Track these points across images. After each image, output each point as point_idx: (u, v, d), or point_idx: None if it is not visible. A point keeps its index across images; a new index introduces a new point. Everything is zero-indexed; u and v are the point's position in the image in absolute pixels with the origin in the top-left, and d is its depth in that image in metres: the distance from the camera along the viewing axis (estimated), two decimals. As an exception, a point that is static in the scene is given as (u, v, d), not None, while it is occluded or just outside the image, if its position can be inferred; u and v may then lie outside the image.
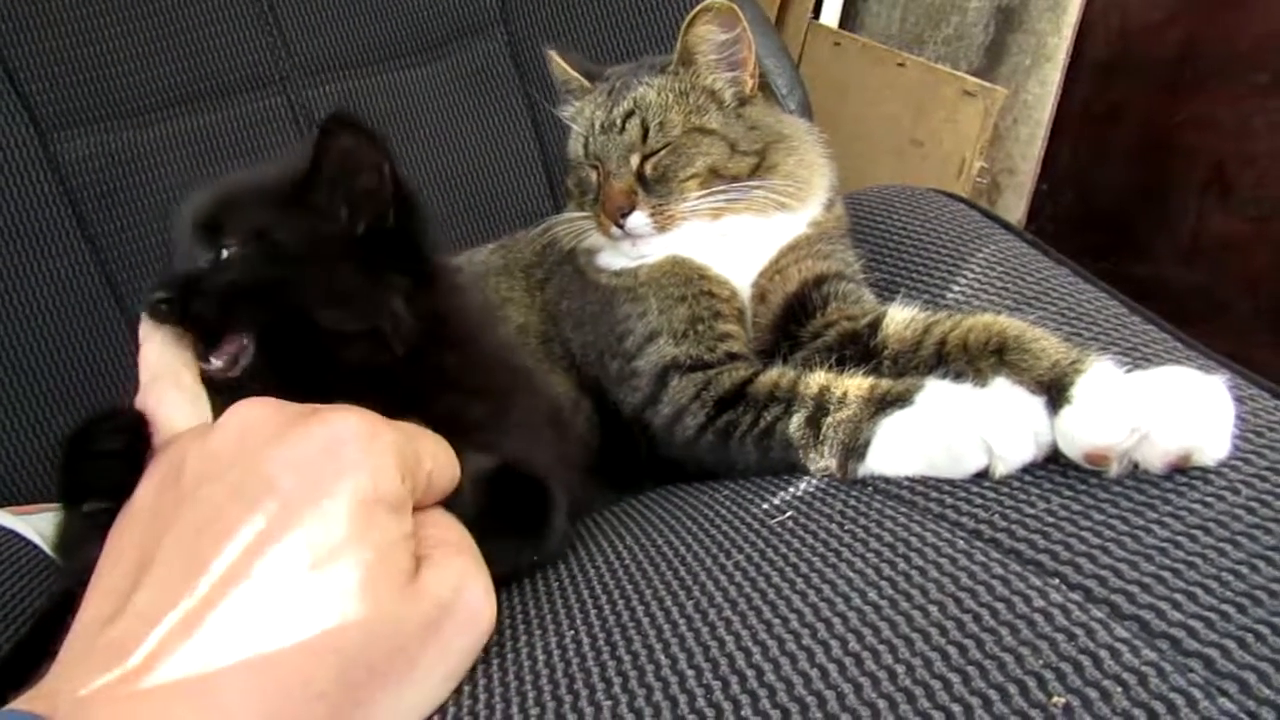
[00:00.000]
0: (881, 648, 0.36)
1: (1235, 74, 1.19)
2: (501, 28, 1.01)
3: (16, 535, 0.70)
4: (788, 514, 0.49)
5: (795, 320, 0.65)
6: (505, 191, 1.02)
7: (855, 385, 0.54)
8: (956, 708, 0.32)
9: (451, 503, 0.44)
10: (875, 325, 0.60)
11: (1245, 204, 1.18)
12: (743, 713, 0.34)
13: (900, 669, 0.34)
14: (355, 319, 0.48)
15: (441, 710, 0.38)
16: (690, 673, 0.37)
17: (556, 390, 0.68)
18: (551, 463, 0.51)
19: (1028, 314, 0.60)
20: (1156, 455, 0.42)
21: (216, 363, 0.46)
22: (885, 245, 0.76)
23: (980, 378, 0.51)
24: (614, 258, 0.70)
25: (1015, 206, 1.47)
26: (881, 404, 0.51)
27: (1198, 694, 0.31)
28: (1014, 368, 0.50)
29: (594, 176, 0.71)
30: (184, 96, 0.93)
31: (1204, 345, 0.57)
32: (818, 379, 0.56)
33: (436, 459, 0.42)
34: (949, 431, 0.47)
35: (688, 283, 0.66)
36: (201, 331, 0.47)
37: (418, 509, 0.41)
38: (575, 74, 0.75)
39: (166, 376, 0.45)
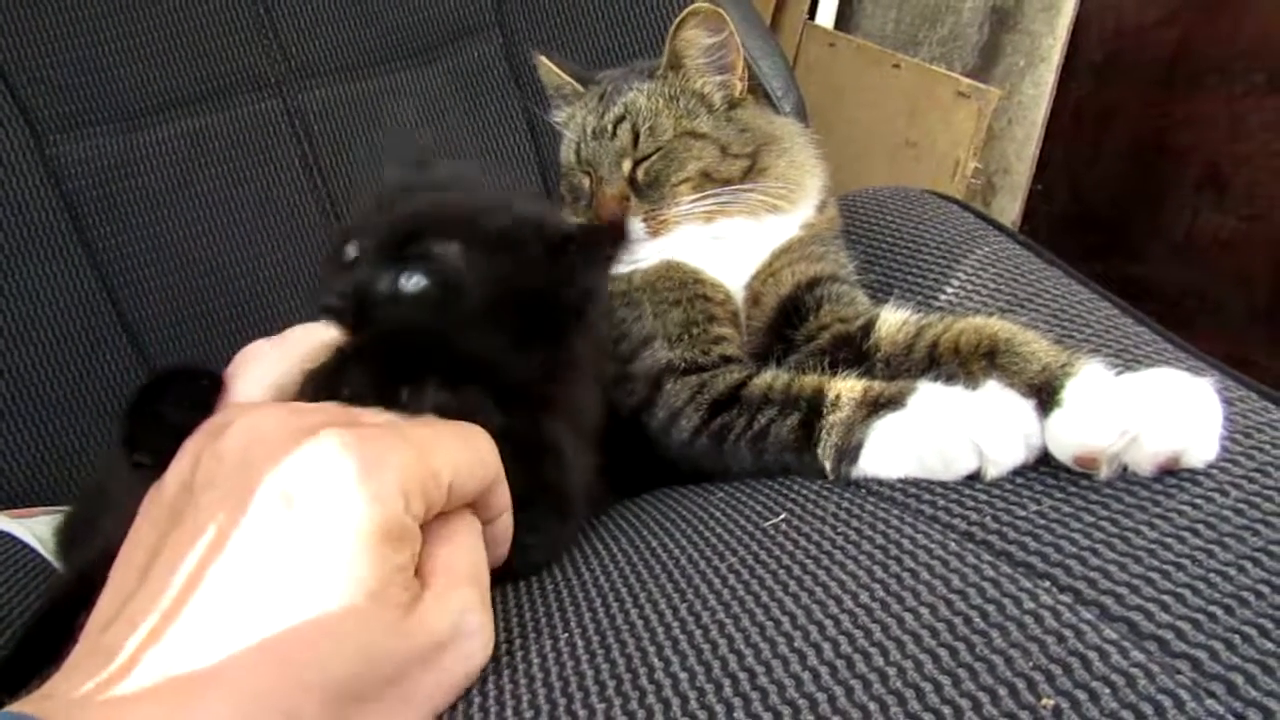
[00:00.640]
0: (873, 650, 0.36)
1: (1229, 75, 1.19)
2: (497, 30, 1.01)
3: (13, 538, 0.70)
4: (781, 516, 0.49)
5: (789, 323, 0.66)
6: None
7: (848, 388, 0.54)
8: (947, 710, 0.33)
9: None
10: (868, 328, 0.61)
11: (1239, 204, 1.18)
12: (735, 715, 0.34)
13: (892, 671, 0.35)
14: (508, 364, 0.47)
15: (436, 714, 0.38)
16: (684, 675, 0.37)
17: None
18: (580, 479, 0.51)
19: (1020, 316, 0.61)
20: (1145, 458, 0.42)
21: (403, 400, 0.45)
22: (879, 247, 0.77)
23: (972, 380, 0.51)
24: None
25: (1010, 207, 1.47)
26: (874, 407, 0.51)
27: (1185, 695, 0.32)
28: (1005, 370, 0.51)
29: (587, 182, 0.71)
30: (180, 100, 0.93)
31: (1198, 345, 0.57)
32: (811, 381, 0.56)
33: (458, 466, 0.40)
34: (941, 434, 0.47)
35: (681, 286, 0.66)
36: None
37: (440, 517, 0.40)
38: (567, 77, 0.75)
39: (257, 359, 0.44)
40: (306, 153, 0.97)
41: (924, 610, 0.38)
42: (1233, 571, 0.37)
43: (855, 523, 0.46)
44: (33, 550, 0.69)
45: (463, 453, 0.41)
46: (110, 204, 0.90)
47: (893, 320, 0.60)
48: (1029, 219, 1.47)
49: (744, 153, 0.68)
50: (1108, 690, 0.32)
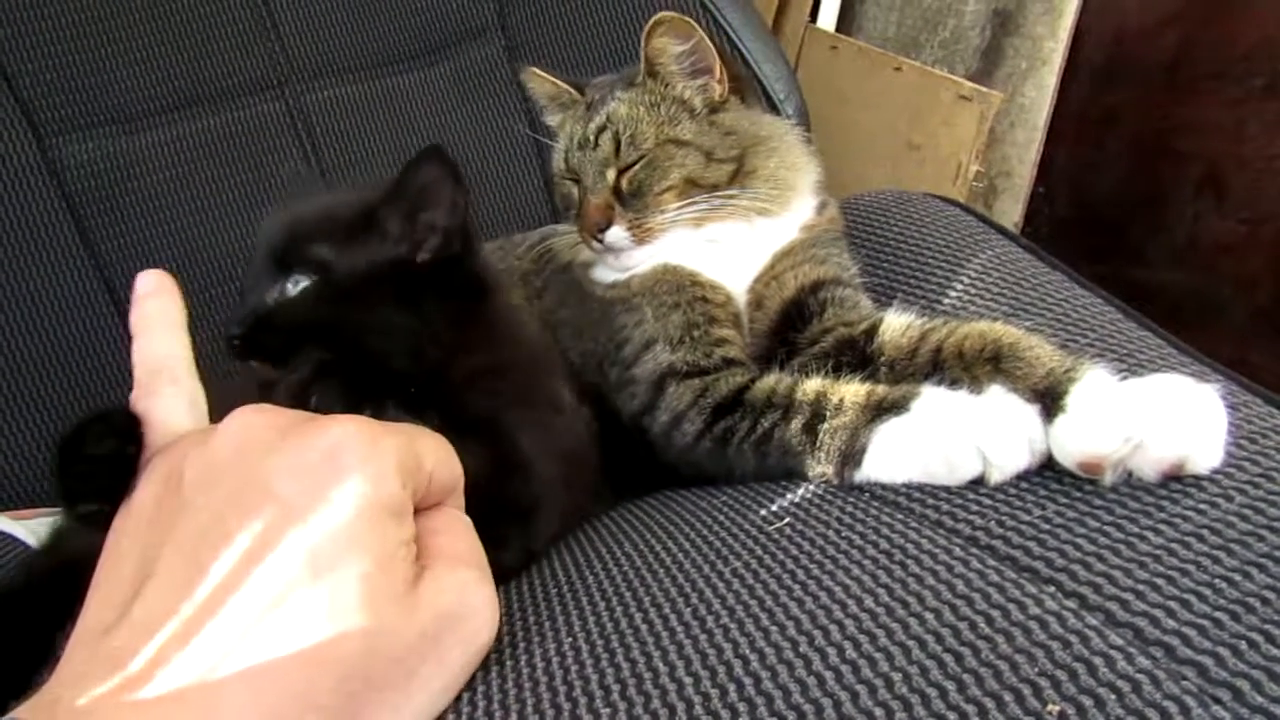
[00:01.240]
0: (878, 655, 0.36)
1: (1230, 78, 1.19)
2: (499, 32, 1.01)
3: (14, 539, 0.70)
4: (785, 520, 0.49)
5: (793, 326, 0.66)
6: (503, 195, 1.02)
7: (852, 392, 0.54)
8: (952, 715, 0.32)
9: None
10: (872, 332, 0.61)
11: (1240, 207, 1.18)
12: (740, 720, 0.34)
13: (896, 676, 0.35)
14: (403, 346, 0.50)
15: (440, 718, 0.38)
16: (688, 680, 0.37)
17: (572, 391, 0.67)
18: (551, 463, 0.52)
19: (1023, 320, 0.61)
20: (1150, 463, 0.42)
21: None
22: (881, 250, 0.77)
23: (976, 385, 0.51)
24: (605, 271, 0.70)
25: (1012, 210, 1.47)
26: (878, 411, 0.51)
27: (1191, 702, 0.32)
28: (1009, 375, 0.51)
29: (575, 191, 0.71)
30: (183, 101, 0.93)
31: (1200, 349, 0.57)
32: (814, 385, 0.56)
33: (437, 457, 0.41)
34: (944, 439, 0.47)
35: (680, 289, 0.66)
36: (272, 363, 0.50)
37: (424, 511, 0.41)
38: (564, 85, 0.75)
39: (164, 373, 0.44)
40: (309, 154, 0.97)
41: (929, 615, 0.37)
42: (1238, 578, 0.37)
43: (859, 527, 0.46)
44: (25, 544, 0.69)
45: (438, 445, 0.42)
46: (112, 205, 0.91)
47: (896, 324, 0.60)
48: (1031, 222, 1.47)
49: (729, 156, 0.68)
50: (1113, 696, 0.32)
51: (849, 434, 0.52)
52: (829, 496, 0.51)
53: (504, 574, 0.48)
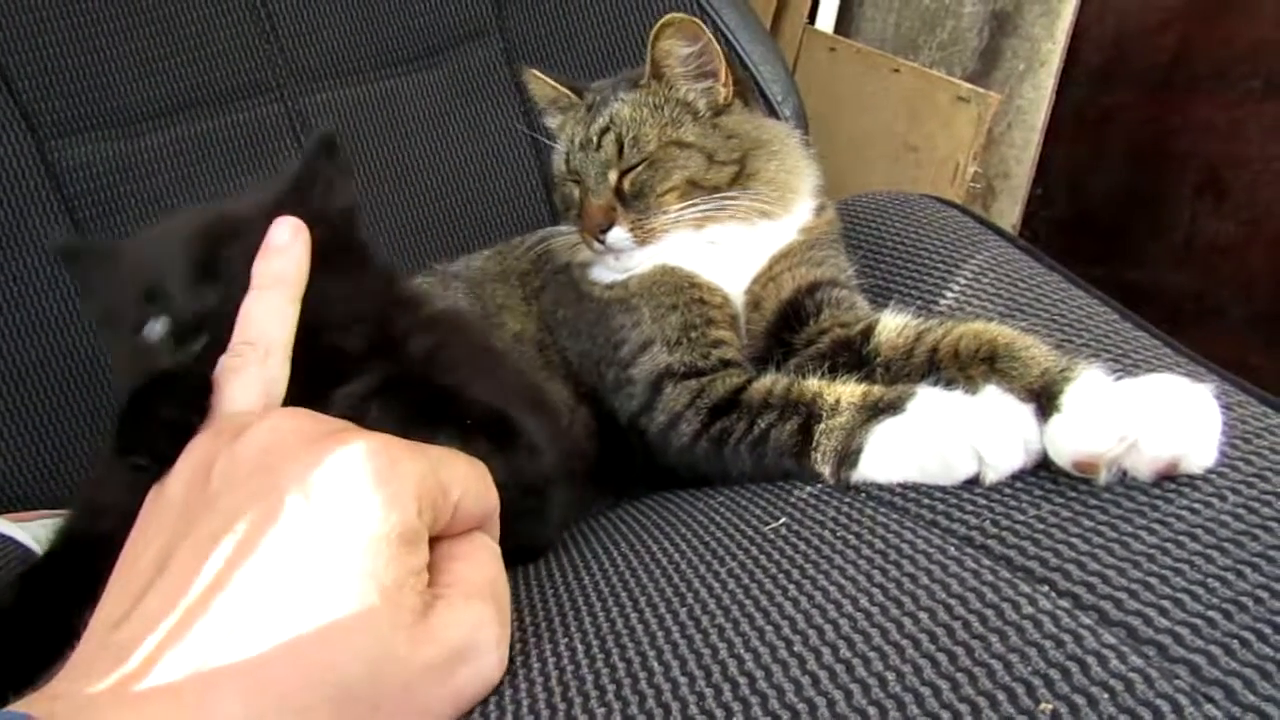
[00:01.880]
0: (872, 654, 0.36)
1: (1228, 79, 1.19)
2: (497, 35, 1.02)
3: (15, 542, 0.70)
4: (781, 520, 0.49)
5: (789, 327, 0.66)
6: (501, 198, 1.02)
7: (848, 392, 0.54)
8: (945, 714, 0.33)
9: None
10: (868, 333, 0.61)
11: (1238, 208, 1.19)
12: (735, 719, 0.34)
13: (890, 675, 0.35)
14: (341, 320, 0.49)
15: None
16: (683, 680, 0.37)
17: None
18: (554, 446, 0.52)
19: (1020, 320, 0.61)
20: (1144, 463, 0.42)
21: None
22: (879, 251, 0.77)
23: (971, 385, 0.51)
24: (604, 272, 0.70)
25: (1010, 211, 1.48)
26: (874, 411, 0.51)
27: (1184, 700, 0.32)
28: (1004, 375, 0.51)
29: (576, 192, 0.72)
30: (181, 104, 0.93)
31: (1198, 350, 0.57)
32: (811, 386, 0.56)
33: (467, 486, 0.40)
34: (940, 439, 0.48)
35: (678, 291, 0.67)
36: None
37: (448, 537, 0.40)
38: (562, 88, 0.75)
39: (256, 348, 0.43)
40: (307, 157, 0.97)
41: (923, 615, 0.38)
42: (1231, 576, 0.37)
43: (855, 527, 0.46)
44: (33, 554, 0.69)
45: (471, 477, 0.41)
46: (111, 208, 0.91)
47: (892, 325, 0.60)
48: (1029, 223, 1.47)
49: (731, 159, 0.68)
50: (1106, 695, 0.32)
51: (845, 434, 0.52)
52: (825, 496, 0.51)
53: (520, 559, 0.48)
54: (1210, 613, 0.35)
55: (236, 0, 0.94)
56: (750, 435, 0.57)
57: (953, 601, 0.38)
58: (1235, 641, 0.34)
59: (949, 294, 0.68)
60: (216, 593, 0.34)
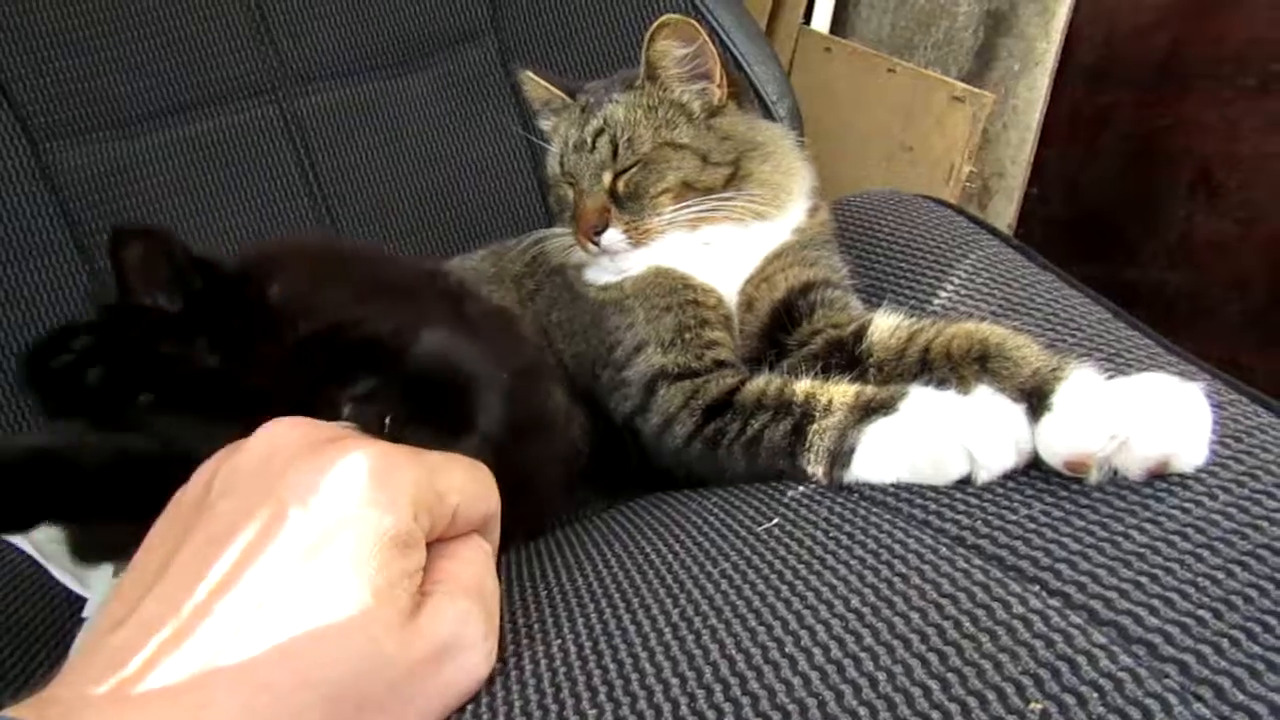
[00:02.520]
0: (863, 654, 0.36)
1: (1222, 78, 1.19)
2: (492, 36, 1.02)
3: (12, 547, 0.70)
4: (774, 521, 0.49)
5: (783, 328, 0.66)
6: (497, 199, 1.02)
7: (840, 393, 0.54)
8: (936, 714, 0.33)
9: None
10: (861, 333, 0.61)
11: (1232, 207, 1.19)
12: (726, 720, 0.34)
13: (881, 675, 0.35)
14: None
15: None
16: (675, 680, 0.37)
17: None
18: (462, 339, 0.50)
19: (1013, 320, 0.61)
20: (1135, 462, 0.42)
21: None
22: (873, 251, 0.77)
23: (963, 385, 0.51)
24: (599, 273, 0.70)
25: (1005, 210, 1.48)
26: (866, 411, 0.52)
27: (1173, 699, 0.32)
28: (996, 375, 0.51)
29: (570, 194, 0.72)
30: (176, 106, 0.94)
31: (1192, 348, 0.57)
32: (804, 386, 0.56)
33: (466, 492, 0.41)
34: (932, 439, 0.48)
35: (672, 292, 0.67)
36: None
37: (444, 540, 0.41)
38: (555, 90, 0.75)
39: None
40: (303, 158, 0.97)
41: (914, 615, 0.38)
42: (1221, 576, 0.37)
43: (847, 527, 0.46)
44: (32, 559, 0.69)
45: (470, 482, 0.42)
46: (106, 210, 0.91)
47: (885, 325, 0.60)
48: (1024, 222, 1.47)
49: (725, 160, 0.68)
50: (1096, 695, 0.32)
51: (838, 434, 0.52)
52: (818, 497, 0.51)
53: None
54: (1200, 611, 0.35)
55: (232, 2, 0.94)
56: (744, 436, 0.57)
57: (944, 601, 0.38)
58: (1225, 640, 0.34)
59: (943, 293, 0.69)
60: (213, 596, 0.35)
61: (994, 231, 0.77)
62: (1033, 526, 0.42)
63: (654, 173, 0.68)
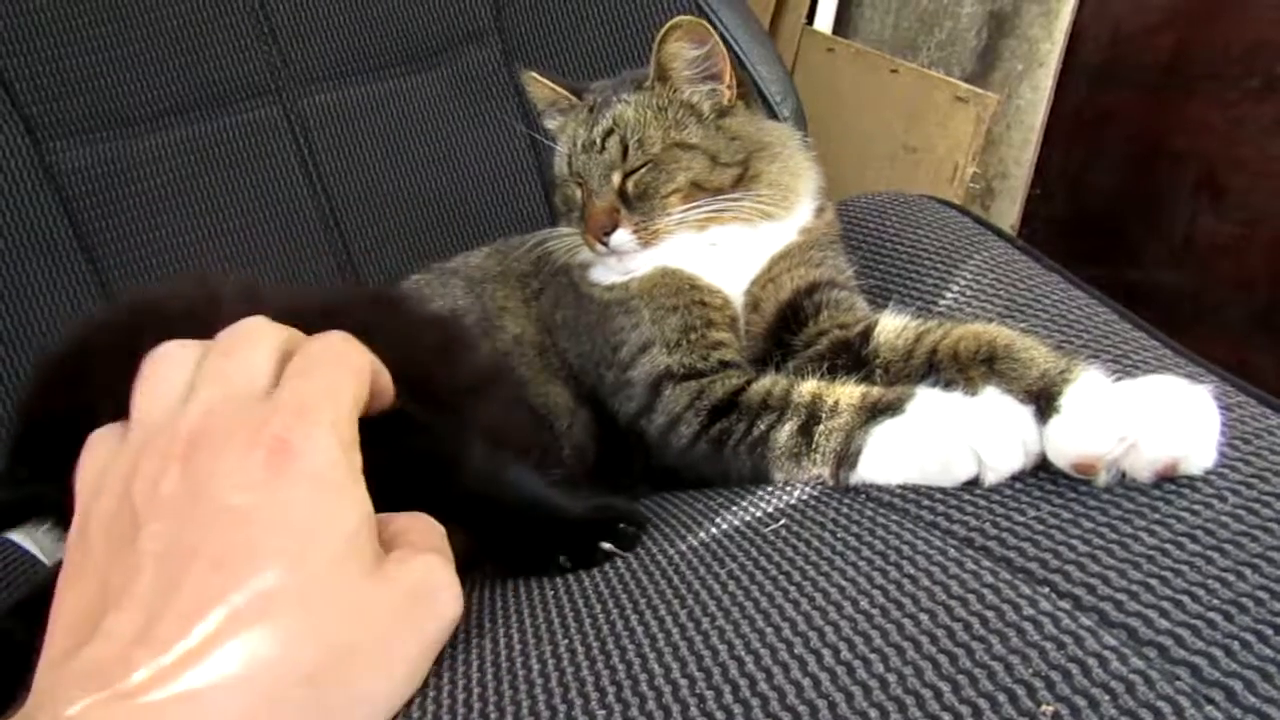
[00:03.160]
0: (873, 656, 0.36)
1: (1226, 79, 1.19)
2: (496, 36, 1.02)
3: (16, 546, 0.70)
4: (781, 522, 0.49)
5: (788, 328, 0.66)
6: (501, 199, 1.02)
7: (847, 394, 0.54)
8: (947, 716, 0.33)
9: None
10: (867, 334, 0.61)
11: (1236, 208, 1.19)
12: (735, 722, 0.34)
13: (891, 677, 0.35)
14: None
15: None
16: (683, 682, 0.37)
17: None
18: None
19: (1019, 321, 0.61)
20: (1144, 464, 0.42)
21: None
22: (878, 252, 0.77)
23: (971, 386, 0.51)
24: (605, 273, 0.70)
25: (1009, 211, 1.48)
26: (873, 412, 0.51)
27: (1184, 702, 0.32)
28: (1004, 377, 0.51)
29: (578, 194, 0.72)
30: (180, 106, 0.93)
31: (1196, 349, 0.57)
32: (810, 387, 0.56)
33: (371, 362, 0.42)
34: (939, 440, 0.48)
35: (679, 293, 0.67)
36: None
37: (394, 519, 0.42)
38: (561, 90, 0.75)
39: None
40: (306, 159, 0.97)
41: (923, 616, 0.38)
42: (1231, 578, 0.37)
43: (854, 528, 0.46)
44: (34, 558, 0.69)
45: (360, 353, 0.42)
46: (110, 210, 0.91)
47: (892, 326, 0.60)
48: (1028, 223, 1.47)
49: (735, 161, 0.68)
50: (1107, 697, 0.32)
51: (844, 436, 0.52)
52: (824, 498, 0.51)
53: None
54: (1211, 614, 0.35)
55: (235, 2, 0.94)
56: (750, 437, 0.57)
57: (953, 603, 0.38)
58: (1236, 643, 0.34)
59: (948, 294, 0.68)
60: (196, 600, 0.34)
61: (999, 232, 0.77)
62: (1041, 528, 0.42)
63: (664, 173, 0.68)
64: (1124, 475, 0.43)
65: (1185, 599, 0.36)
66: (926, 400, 0.50)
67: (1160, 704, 0.32)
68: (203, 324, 0.43)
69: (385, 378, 0.43)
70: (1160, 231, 1.27)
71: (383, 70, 0.99)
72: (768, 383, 0.59)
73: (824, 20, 1.69)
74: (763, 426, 0.56)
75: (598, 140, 0.70)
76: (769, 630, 0.39)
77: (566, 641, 0.42)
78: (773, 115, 0.96)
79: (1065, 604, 0.37)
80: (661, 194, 0.67)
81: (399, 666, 0.38)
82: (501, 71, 1.02)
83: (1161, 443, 0.42)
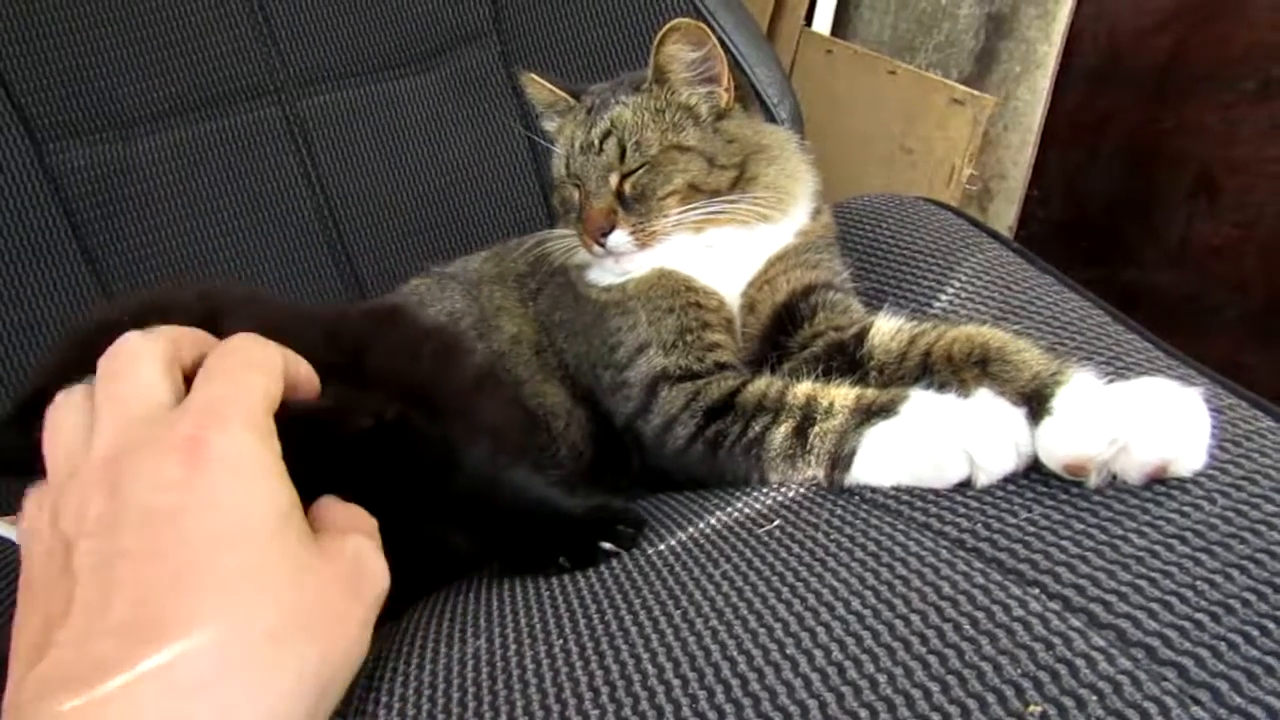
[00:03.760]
0: (864, 656, 0.36)
1: (1222, 81, 1.20)
2: (494, 37, 1.02)
3: (11, 543, 0.70)
4: (775, 523, 0.49)
5: (784, 330, 0.66)
6: (499, 200, 1.02)
7: (841, 395, 0.54)
8: (935, 716, 0.33)
9: None
10: (862, 336, 0.61)
11: (1232, 210, 1.19)
12: (727, 722, 0.34)
13: (882, 678, 0.35)
14: None
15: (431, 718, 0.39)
16: (677, 682, 0.37)
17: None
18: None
19: (1013, 323, 0.61)
20: (1134, 466, 0.43)
21: None
22: (874, 254, 0.77)
23: (964, 388, 0.52)
24: (602, 274, 0.71)
25: (1007, 212, 1.48)
26: (867, 414, 0.52)
27: (1171, 702, 0.32)
28: (996, 379, 0.51)
29: (576, 195, 0.72)
30: (179, 107, 0.94)
31: (1193, 350, 0.58)
32: (805, 389, 0.56)
33: (285, 360, 0.43)
34: (932, 442, 0.48)
35: (675, 294, 0.67)
36: None
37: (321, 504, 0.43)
38: (560, 93, 0.76)
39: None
40: (305, 160, 0.97)
41: (914, 617, 0.38)
42: (1219, 579, 0.37)
43: (848, 529, 0.46)
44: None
45: (266, 349, 0.43)
46: (109, 211, 0.91)
47: (886, 328, 0.61)
48: (1025, 224, 1.48)
49: (732, 163, 0.68)
50: (1095, 697, 0.32)
51: (838, 437, 0.52)
52: (818, 499, 0.51)
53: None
54: (1198, 615, 0.36)
55: (234, 3, 0.94)
56: (745, 438, 0.57)
57: (944, 604, 0.38)
58: (1223, 644, 0.34)
59: (943, 297, 0.69)
60: (139, 589, 0.35)
61: (994, 234, 0.77)
62: (1033, 530, 0.42)
63: (661, 175, 0.68)
64: (1115, 477, 0.44)
65: (1174, 600, 0.36)
66: (920, 402, 0.51)
67: (1147, 704, 0.32)
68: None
69: (301, 368, 0.45)
70: (1157, 233, 1.27)
71: (381, 71, 0.99)
72: (763, 384, 0.60)
73: (823, 22, 1.69)
74: (758, 428, 0.57)
75: (595, 142, 0.70)
76: (761, 631, 0.39)
77: (560, 641, 0.42)
78: (770, 117, 0.97)
79: (1055, 605, 0.37)
80: (658, 196, 0.68)
81: (351, 628, 0.40)
82: (500, 72, 1.02)
83: (1152, 445, 0.42)
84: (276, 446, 0.40)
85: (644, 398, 0.64)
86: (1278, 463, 0.44)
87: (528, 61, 0.99)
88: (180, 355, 0.42)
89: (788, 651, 0.38)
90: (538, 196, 1.03)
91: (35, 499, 0.41)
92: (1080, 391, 0.47)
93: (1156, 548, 0.39)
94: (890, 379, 0.58)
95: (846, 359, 0.61)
